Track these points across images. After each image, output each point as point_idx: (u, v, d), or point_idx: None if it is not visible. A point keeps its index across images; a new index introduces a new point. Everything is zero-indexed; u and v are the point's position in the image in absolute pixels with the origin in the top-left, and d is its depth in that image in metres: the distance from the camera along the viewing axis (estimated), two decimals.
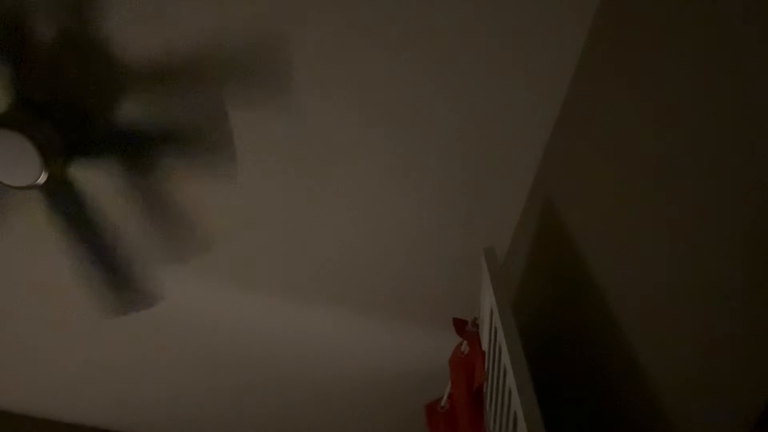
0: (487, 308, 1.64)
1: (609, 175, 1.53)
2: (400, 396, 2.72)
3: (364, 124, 2.02)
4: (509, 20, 1.81)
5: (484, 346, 1.68)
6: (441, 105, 1.97)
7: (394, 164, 2.09)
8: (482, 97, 1.94)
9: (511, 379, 1.32)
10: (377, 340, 2.53)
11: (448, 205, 2.16)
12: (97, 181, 1.90)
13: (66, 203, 1.83)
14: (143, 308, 2.11)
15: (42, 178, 1.73)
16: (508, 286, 2.10)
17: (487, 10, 1.80)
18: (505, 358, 1.38)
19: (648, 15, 1.47)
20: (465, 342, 1.79)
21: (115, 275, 1.97)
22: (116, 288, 2.01)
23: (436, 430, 1.87)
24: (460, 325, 1.82)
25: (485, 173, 2.09)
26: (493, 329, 1.56)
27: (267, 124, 2.01)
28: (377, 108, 1.98)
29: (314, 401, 2.83)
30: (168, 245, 2.09)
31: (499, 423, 1.46)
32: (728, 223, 1.04)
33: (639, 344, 1.24)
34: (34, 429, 2.95)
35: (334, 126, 2.02)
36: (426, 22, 1.83)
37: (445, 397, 1.88)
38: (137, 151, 1.82)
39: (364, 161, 2.09)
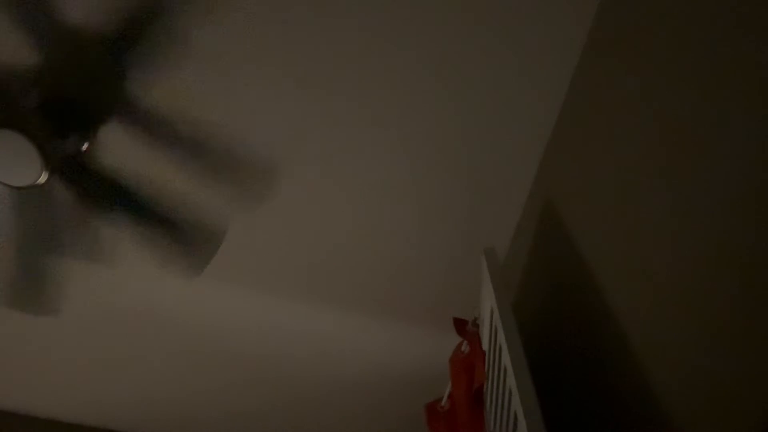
0: (487, 308, 1.64)
1: (609, 175, 1.53)
2: (400, 396, 2.71)
3: (365, 123, 2.02)
4: (509, 20, 1.82)
5: (484, 346, 1.68)
6: (441, 105, 1.97)
7: (394, 164, 2.09)
8: (482, 97, 1.94)
9: (511, 379, 1.32)
10: (377, 341, 2.53)
11: (448, 205, 2.16)
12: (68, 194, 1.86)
13: (35, 203, 1.81)
14: (40, 314, 2.08)
15: (42, 178, 1.73)
16: (508, 286, 2.10)
17: (488, 10, 1.80)
18: (505, 358, 1.38)
19: (647, 15, 1.47)
20: (465, 342, 1.79)
21: (34, 279, 1.94)
22: (30, 290, 1.98)
23: (436, 430, 1.87)
24: (460, 325, 1.82)
25: (485, 173, 2.09)
26: (493, 329, 1.56)
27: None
28: (378, 108, 1.98)
29: (314, 401, 2.83)
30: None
31: (499, 423, 1.46)
32: (729, 222, 1.04)
33: (639, 344, 1.24)
34: (34, 429, 2.95)
35: (335, 125, 2.02)
36: (427, 23, 1.83)
37: (445, 397, 1.87)
38: (120, 209, 1.78)
39: (364, 161, 2.09)
